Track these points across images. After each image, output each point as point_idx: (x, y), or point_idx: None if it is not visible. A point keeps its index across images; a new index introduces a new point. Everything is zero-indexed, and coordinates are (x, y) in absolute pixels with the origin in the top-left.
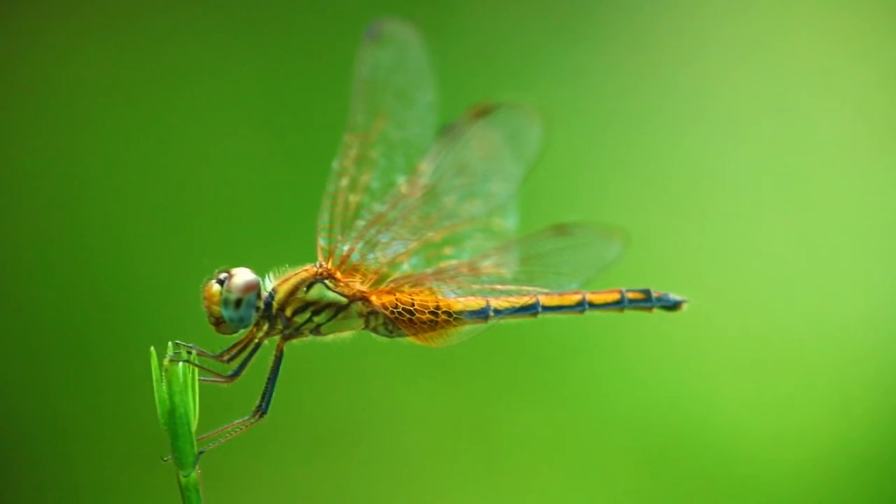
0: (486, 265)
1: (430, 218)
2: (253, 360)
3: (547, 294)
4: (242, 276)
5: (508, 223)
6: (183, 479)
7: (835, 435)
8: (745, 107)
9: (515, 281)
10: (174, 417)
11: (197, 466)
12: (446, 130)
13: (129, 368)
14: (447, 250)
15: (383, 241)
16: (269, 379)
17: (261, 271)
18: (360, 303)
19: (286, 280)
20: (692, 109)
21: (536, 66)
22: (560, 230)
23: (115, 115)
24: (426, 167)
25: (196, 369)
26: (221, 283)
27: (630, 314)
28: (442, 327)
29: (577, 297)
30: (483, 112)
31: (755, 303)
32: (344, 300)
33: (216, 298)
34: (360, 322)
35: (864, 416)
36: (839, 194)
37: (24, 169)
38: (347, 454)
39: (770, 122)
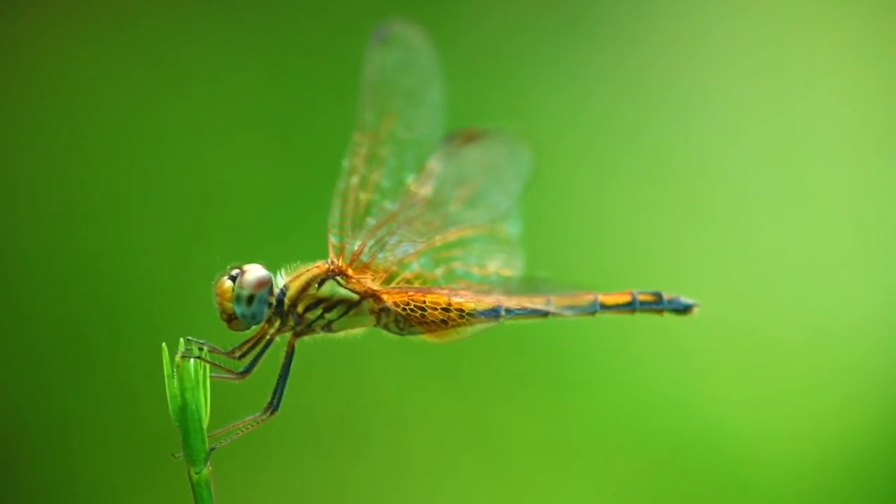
0: (492, 267)
1: (434, 224)
2: (264, 356)
3: (558, 295)
4: (254, 272)
5: (512, 229)
6: (194, 476)
7: (838, 436)
8: (745, 106)
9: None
10: (185, 414)
11: (208, 463)
12: (443, 144)
13: (131, 366)
14: (455, 252)
15: (392, 242)
16: (280, 376)
17: (264, 268)
18: (371, 300)
19: (298, 276)
20: (693, 108)
21: (536, 65)
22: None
23: (116, 114)
24: (434, 167)
25: (207, 366)
26: (233, 279)
27: (640, 316)
28: (454, 325)
29: (588, 298)
30: (471, 138)
31: (756, 303)
32: (355, 297)
33: (228, 295)
34: (372, 319)
35: (866, 416)
36: (840, 194)
37: (24, 169)
38: (351, 453)
39: (770, 122)
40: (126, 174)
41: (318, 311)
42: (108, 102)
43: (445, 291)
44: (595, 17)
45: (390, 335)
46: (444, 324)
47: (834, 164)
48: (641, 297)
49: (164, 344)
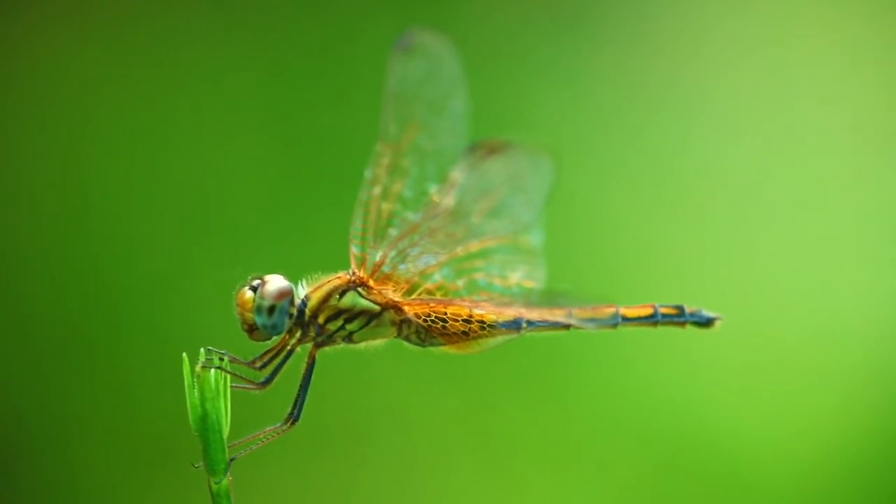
0: (515, 278)
1: (456, 235)
2: (285, 367)
3: (579, 308)
4: (276, 282)
5: (534, 241)
6: (214, 486)
7: (838, 436)
8: (745, 106)
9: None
10: (206, 424)
11: (228, 474)
12: (465, 155)
13: (131, 366)
14: (477, 263)
15: (413, 253)
16: (301, 386)
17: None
18: (392, 311)
19: (319, 287)
20: (693, 108)
21: (536, 65)
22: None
23: (116, 114)
24: (457, 177)
25: (228, 376)
26: (254, 289)
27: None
28: (475, 337)
29: (610, 311)
30: (494, 149)
31: (757, 304)
32: (377, 308)
33: (249, 305)
34: (393, 330)
35: (866, 416)
36: (840, 194)
37: (24, 169)
38: (356, 455)
39: (770, 122)
40: (126, 174)
41: (340, 322)
42: (108, 102)
43: (467, 303)
44: (595, 17)
45: (411, 346)
46: (465, 335)
47: (834, 164)
48: (663, 311)
49: (184, 354)
